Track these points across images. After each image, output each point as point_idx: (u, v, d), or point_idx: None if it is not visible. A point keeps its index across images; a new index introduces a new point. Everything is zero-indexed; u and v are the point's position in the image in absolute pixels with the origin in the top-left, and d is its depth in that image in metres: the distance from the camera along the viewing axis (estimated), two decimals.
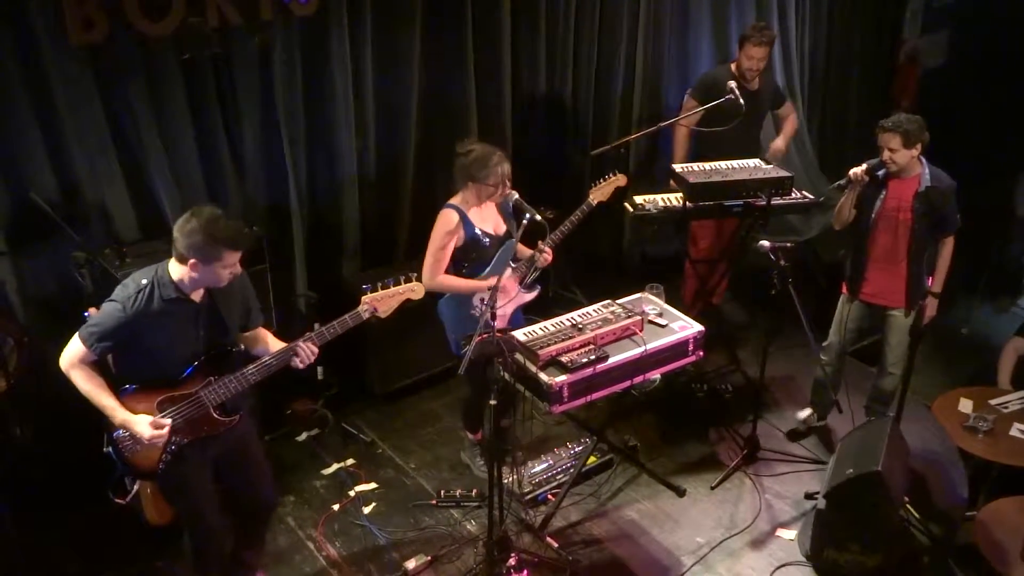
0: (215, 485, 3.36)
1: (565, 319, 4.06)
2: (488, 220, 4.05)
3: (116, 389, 3.05)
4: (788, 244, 4.19)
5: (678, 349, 4.05)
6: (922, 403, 4.83)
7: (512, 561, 3.79)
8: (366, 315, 3.27)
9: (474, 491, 4.37)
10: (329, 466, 4.63)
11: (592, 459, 4.51)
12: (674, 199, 4.88)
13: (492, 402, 3.44)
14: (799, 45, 6.83)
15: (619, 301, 4.20)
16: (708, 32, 6.33)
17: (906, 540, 3.97)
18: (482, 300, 3.93)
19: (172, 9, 3.99)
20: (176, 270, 3.01)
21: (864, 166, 4.16)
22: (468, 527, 4.23)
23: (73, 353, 3.00)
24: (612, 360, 3.84)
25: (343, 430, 4.87)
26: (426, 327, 4.35)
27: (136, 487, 3.52)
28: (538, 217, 3.73)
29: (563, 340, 3.85)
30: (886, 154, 4.10)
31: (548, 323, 4.03)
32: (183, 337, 3.08)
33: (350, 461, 4.67)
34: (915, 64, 7.78)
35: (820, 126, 7.44)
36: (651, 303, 4.28)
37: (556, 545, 4.08)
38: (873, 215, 4.24)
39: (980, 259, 6.24)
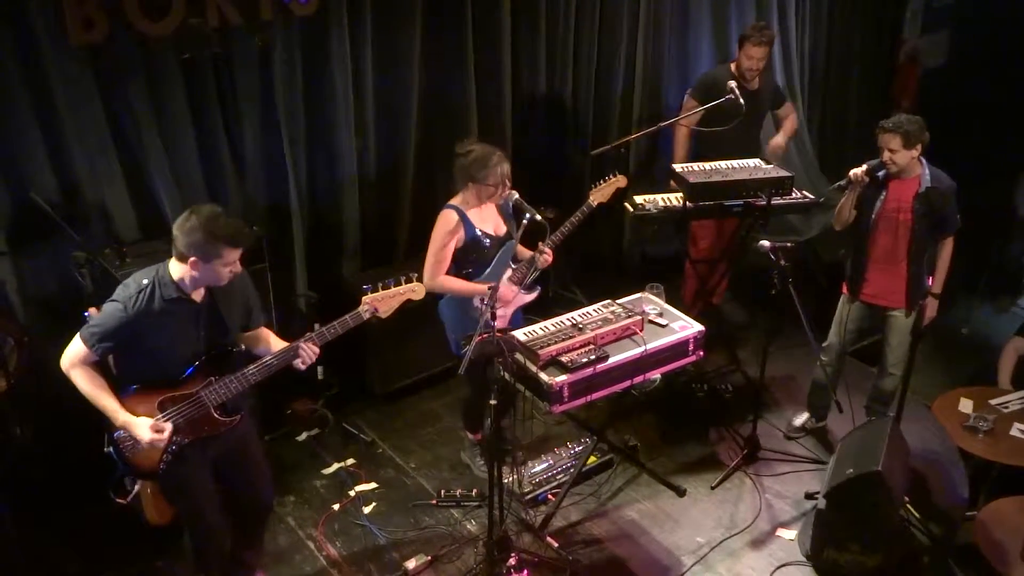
0: (215, 485, 3.36)
1: (565, 319, 4.06)
2: (488, 221, 4.04)
3: (117, 389, 3.05)
4: (788, 244, 4.19)
5: (678, 349, 4.06)
6: (922, 403, 4.83)
7: (512, 561, 3.80)
8: (367, 315, 3.26)
9: (474, 491, 4.37)
10: (329, 466, 4.64)
11: (592, 459, 4.51)
12: (674, 199, 4.88)
13: (492, 402, 3.44)
14: (799, 45, 6.84)
15: (619, 301, 4.20)
16: (708, 32, 6.33)
17: (906, 540, 3.97)
18: (482, 300, 3.93)
19: (172, 9, 3.99)
20: (177, 269, 3.01)
21: (864, 167, 4.16)
22: (468, 527, 4.23)
23: (74, 354, 3.00)
24: (612, 360, 3.84)
25: (343, 430, 4.87)
26: (426, 327, 4.35)
27: (137, 487, 3.52)
28: (538, 217, 3.74)
29: (563, 340, 3.85)
30: (886, 155, 4.10)
31: (548, 323, 4.03)
32: (184, 337, 3.08)
33: (350, 461, 4.67)
34: (915, 64, 7.78)
35: (820, 126, 7.44)
36: (651, 303, 4.28)
37: (556, 545, 4.08)
38: (873, 216, 4.24)
39: (980, 259, 6.24)
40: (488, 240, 4.01)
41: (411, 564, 3.97)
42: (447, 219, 3.94)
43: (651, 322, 4.12)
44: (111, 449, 3.11)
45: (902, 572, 3.87)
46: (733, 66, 5.24)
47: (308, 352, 3.19)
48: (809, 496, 4.37)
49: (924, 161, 4.17)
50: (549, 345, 3.81)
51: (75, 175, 4.10)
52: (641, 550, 4.12)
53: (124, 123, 4.18)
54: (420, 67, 5.02)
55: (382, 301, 3.29)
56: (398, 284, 3.31)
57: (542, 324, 4.02)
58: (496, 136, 5.37)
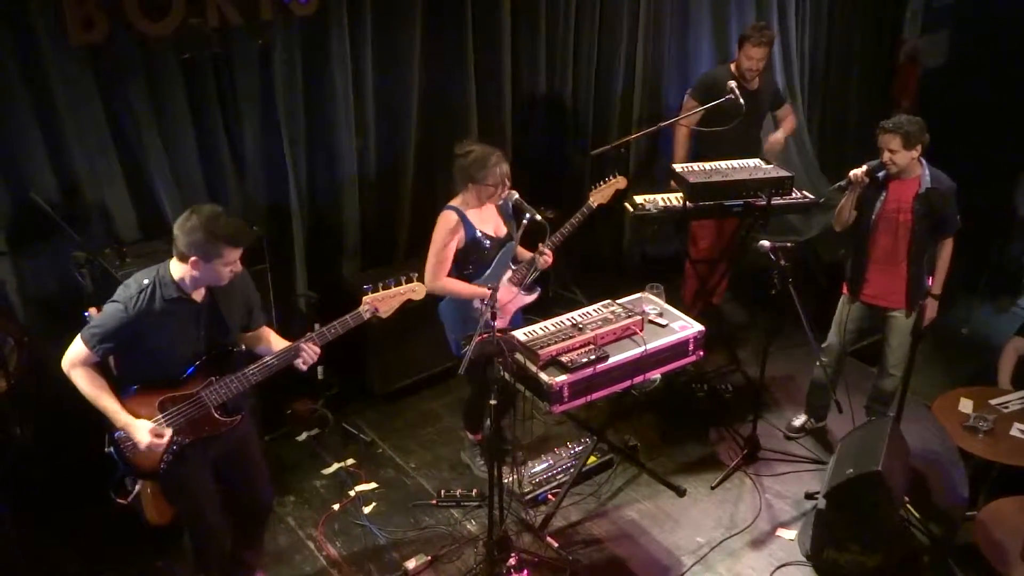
0: (215, 485, 3.36)
1: (565, 319, 4.06)
2: (488, 222, 4.04)
3: (118, 390, 3.05)
4: (788, 244, 4.19)
5: (678, 349, 4.06)
6: (922, 403, 4.83)
7: (512, 561, 3.80)
8: (367, 315, 3.26)
9: (474, 491, 4.37)
10: (329, 466, 4.64)
11: (592, 459, 4.51)
12: (674, 199, 4.88)
13: (492, 402, 3.44)
14: (799, 45, 6.84)
15: (619, 301, 4.20)
16: (708, 32, 6.33)
17: (906, 540, 3.97)
18: (483, 301, 3.93)
19: (172, 9, 3.99)
20: (177, 269, 3.01)
21: (864, 167, 4.16)
22: (468, 527, 4.24)
23: (75, 354, 3.00)
24: (612, 360, 3.84)
25: (343, 430, 4.87)
26: (426, 327, 4.35)
27: (138, 487, 3.52)
28: (538, 217, 3.74)
29: (563, 340, 3.85)
30: (886, 155, 4.10)
31: (548, 323, 4.03)
32: (184, 337, 3.08)
33: (350, 461, 4.67)
34: (915, 64, 7.78)
35: (820, 126, 7.44)
36: (651, 303, 4.29)
37: (556, 545, 4.08)
38: (873, 216, 4.24)
39: (980, 259, 6.24)
40: (488, 241, 4.01)
41: (411, 564, 3.97)
42: (447, 220, 3.94)
43: (651, 322, 4.12)
44: (111, 449, 3.11)
45: (902, 572, 3.88)
46: (733, 66, 5.24)
47: (309, 352, 3.19)
48: (809, 496, 4.37)
49: (924, 162, 4.17)
50: (549, 345, 3.81)
51: (75, 175, 4.10)
52: (641, 550, 4.12)
53: (124, 123, 4.18)
54: (420, 67, 5.02)
55: (382, 301, 3.29)
56: (398, 284, 3.31)
57: (542, 324, 4.02)
58: (496, 136, 5.37)
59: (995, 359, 4.93)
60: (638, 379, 3.98)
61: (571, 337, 3.87)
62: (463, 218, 3.95)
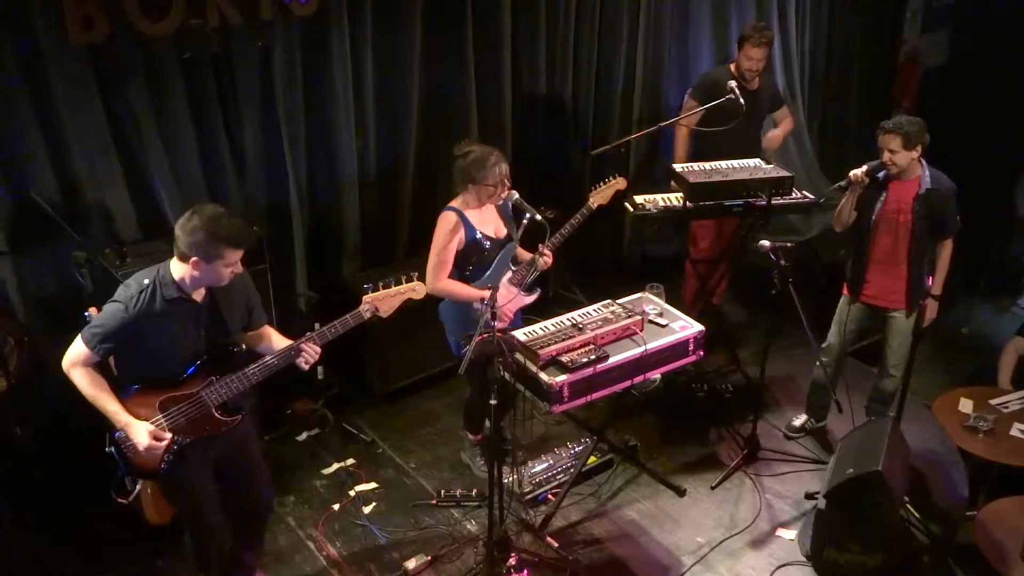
0: (215, 485, 3.36)
1: (565, 319, 4.07)
2: (488, 223, 4.04)
3: (118, 389, 3.05)
4: (788, 244, 4.20)
5: (678, 349, 4.06)
6: (922, 403, 4.83)
7: (512, 561, 3.79)
8: (367, 315, 3.26)
9: (474, 491, 4.37)
10: (329, 466, 4.64)
11: (592, 459, 4.51)
12: (674, 199, 4.88)
13: (492, 402, 3.44)
14: (799, 45, 6.84)
15: (619, 301, 4.20)
16: (708, 32, 6.33)
17: (906, 540, 3.97)
18: (483, 300, 3.93)
19: (172, 9, 3.99)
20: (178, 269, 3.01)
21: (864, 168, 4.16)
22: (468, 527, 4.24)
23: (75, 354, 3.00)
24: (612, 360, 3.84)
25: (343, 430, 4.87)
26: (426, 327, 4.35)
27: (138, 487, 3.52)
28: (538, 217, 3.74)
29: (563, 340, 3.85)
30: (886, 155, 4.10)
31: (548, 323, 4.04)
32: (185, 337, 3.08)
33: (350, 461, 4.67)
34: (915, 64, 7.78)
35: (820, 126, 7.44)
36: (651, 303, 4.29)
37: (556, 545, 4.08)
38: (873, 217, 4.24)
39: (980, 259, 6.24)
40: (488, 242, 4.01)
41: (411, 564, 3.97)
42: (447, 220, 3.94)
43: (651, 322, 4.12)
44: (112, 449, 3.11)
45: (902, 572, 3.88)
46: (733, 67, 5.24)
47: (309, 351, 3.19)
48: (809, 496, 4.37)
49: (924, 163, 4.17)
50: (549, 345, 3.81)
51: (75, 175, 4.10)
52: (641, 550, 4.12)
53: (124, 123, 4.18)
54: (420, 67, 5.02)
55: (383, 300, 3.29)
56: (398, 283, 3.31)
57: (542, 324, 4.02)
58: (496, 136, 5.37)
59: (995, 359, 4.93)
60: (638, 379, 3.98)
61: (571, 337, 3.87)
62: (463, 219, 3.95)
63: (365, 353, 4.95)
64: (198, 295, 3.07)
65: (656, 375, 4.43)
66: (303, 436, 4.84)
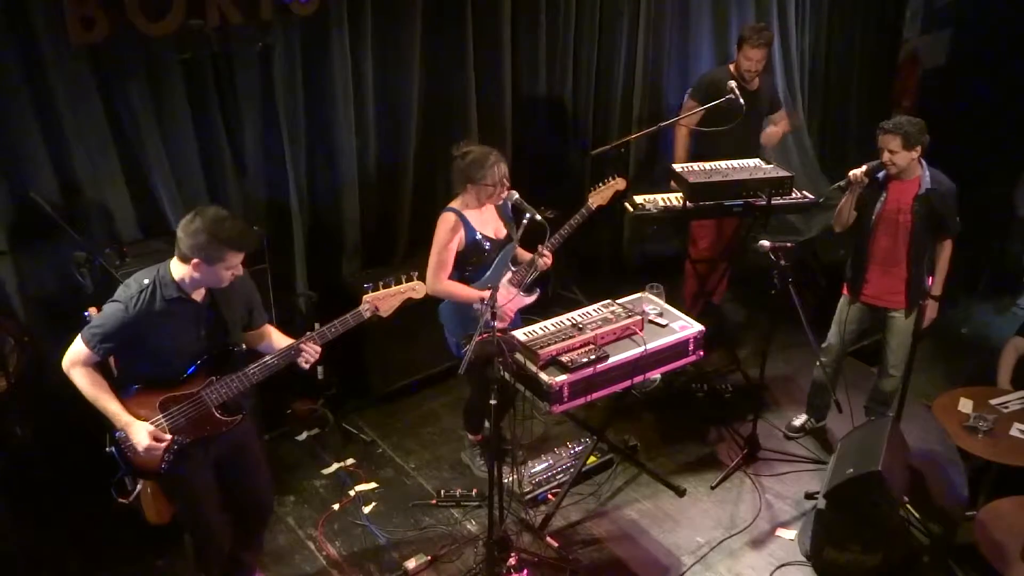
0: (216, 484, 3.35)
1: (565, 319, 4.07)
2: (488, 224, 4.04)
3: (118, 389, 3.05)
4: (788, 244, 4.19)
5: (678, 349, 4.06)
6: (922, 403, 4.84)
7: (512, 561, 3.80)
8: (367, 314, 3.26)
9: (474, 491, 4.37)
10: (329, 466, 4.64)
11: (592, 459, 4.51)
12: (674, 199, 4.88)
13: (492, 402, 3.44)
14: (799, 45, 6.84)
15: (619, 301, 4.20)
16: (708, 32, 6.33)
17: (906, 540, 3.98)
18: (482, 300, 3.93)
19: (172, 9, 3.99)
20: (178, 269, 3.01)
21: (864, 168, 4.16)
22: (468, 527, 4.24)
23: (75, 354, 3.00)
24: (612, 360, 3.84)
25: (343, 430, 4.87)
26: (426, 327, 4.35)
27: (138, 487, 3.52)
28: (538, 217, 3.74)
29: (563, 340, 3.85)
30: (886, 156, 4.10)
31: (548, 323, 4.04)
32: (185, 337, 3.08)
33: (350, 461, 4.67)
34: (915, 64, 7.78)
35: (820, 126, 7.44)
36: (651, 303, 4.29)
37: (556, 545, 4.08)
38: (873, 217, 4.24)
39: (980, 259, 6.24)
40: (488, 243, 4.01)
41: (411, 564, 3.97)
42: (447, 221, 3.94)
43: (651, 322, 4.12)
44: (112, 449, 3.11)
45: (902, 572, 3.88)
46: (732, 67, 5.24)
47: (309, 351, 3.19)
48: (809, 496, 4.37)
49: (924, 163, 4.17)
50: (549, 345, 3.81)
51: (75, 175, 4.10)
52: (641, 550, 4.12)
53: (124, 123, 4.17)
54: (420, 67, 5.02)
55: (383, 300, 3.29)
56: (398, 283, 3.31)
57: (542, 324, 4.02)
58: (496, 136, 5.37)
59: (995, 359, 4.94)
60: (638, 379, 3.98)
61: (571, 337, 3.87)
62: (463, 220, 3.95)
63: (365, 353, 4.95)
64: (198, 295, 3.07)
65: (656, 375, 4.43)
66: (303, 436, 4.84)
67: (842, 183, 4.25)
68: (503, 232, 4.09)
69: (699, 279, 5.37)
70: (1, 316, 4.01)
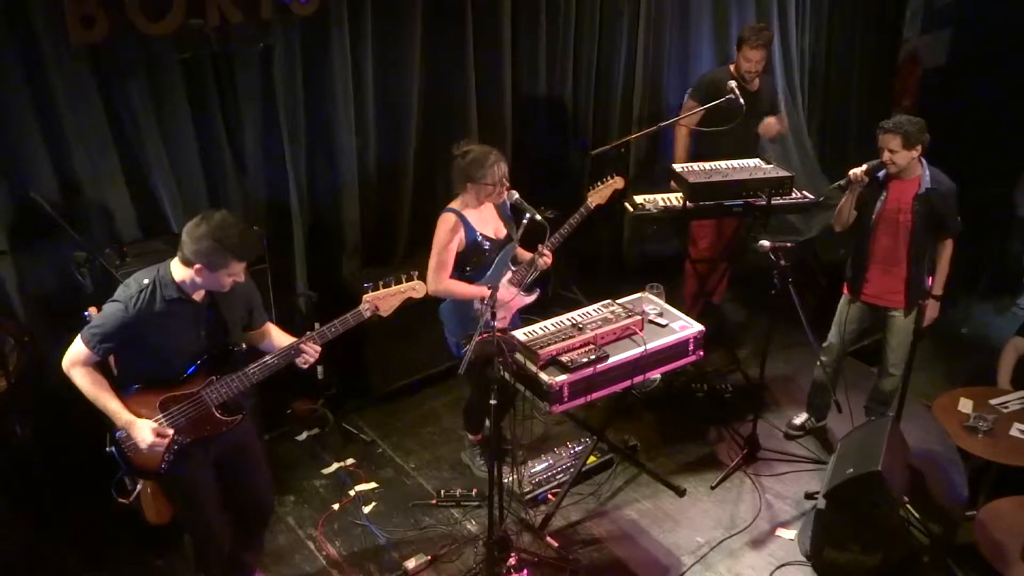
0: (216, 484, 3.36)
1: (565, 319, 4.07)
2: (488, 224, 4.04)
3: (118, 389, 3.05)
4: (788, 244, 4.19)
5: (678, 349, 4.06)
6: (922, 403, 4.83)
7: (512, 561, 3.80)
8: (367, 314, 3.26)
9: (474, 491, 4.37)
10: (329, 465, 4.64)
11: (592, 459, 4.51)
12: (674, 199, 4.88)
13: (492, 402, 3.44)
14: (799, 45, 6.84)
15: (619, 301, 4.20)
16: (708, 32, 6.33)
17: (906, 540, 3.98)
18: (482, 300, 3.93)
19: (172, 9, 3.99)
20: (179, 271, 3.00)
21: (864, 167, 4.16)
22: (468, 527, 4.24)
23: (75, 354, 3.00)
24: (612, 360, 3.84)
25: (343, 430, 4.87)
26: (426, 327, 4.35)
27: (138, 487, 3.52)
28: (538, 217, 3.74)
29: (563, 340, 3.85)
30: (886, 155, 4.10)
31: (548, 323, 4.04)
32: (185, 336, 3.08)
33: (350, 461, 4.67)
34: (915, 64, 7.78)
35: (820, 126, 7.44)
36: (651, 303, 4.29)
37: (556, 545, 4.08)
38: (873, 216, 4.24)
39: (980, 259, 6.24)
40: (488, 243, 4.01)
41: (411, 564, 3.97)
42: (447, 221, 3.94)
43: (651, 322, 4.12)
44: (112, 449, 3.11)
45: (902, 572, 3.88)
46: (732, 68, 5.24)
47: (309, 351, 3.19)
48: (809, 496, 4.37)
49: (924, 162, 4.17)
50: (549, 345, 3.81)
51: (75, 175, 4.10)
52: (641, 550, 4.12)
53: (124, 122, 4.17)
54: (420, 67, 5.02)
55: (383, 299, 3.29)
56: (399, 282, 3.31)
57: (542, 324, 4.02)
58: (496, 136, 5.37)
59: (995, 359, 4.94)
60: (638, 379, 3.98)
61: (571, 337, 3.87)
62: (463, 220, 3.95)
63: (365, 353, 4.95)
64: (198, 296, 3.07)
65: (656, 375, 4.43)
66: (303, 436, 4.84)
67: (842, 182, 4.25)
68: (503, 232, 4.09)
69: (699, 279, 5.37)
70: (1, 316, 4.01)
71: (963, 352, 5.71)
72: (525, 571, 3.85)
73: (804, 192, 4.95)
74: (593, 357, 3.78)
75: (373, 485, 4.50)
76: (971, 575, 3.87)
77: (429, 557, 4.01)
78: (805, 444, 4.81)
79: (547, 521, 4.20)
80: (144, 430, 3.00)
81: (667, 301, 4.39)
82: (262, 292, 3.66)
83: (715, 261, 5.40)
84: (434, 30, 5.02)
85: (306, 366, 3.22)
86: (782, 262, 4.06)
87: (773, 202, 4.73)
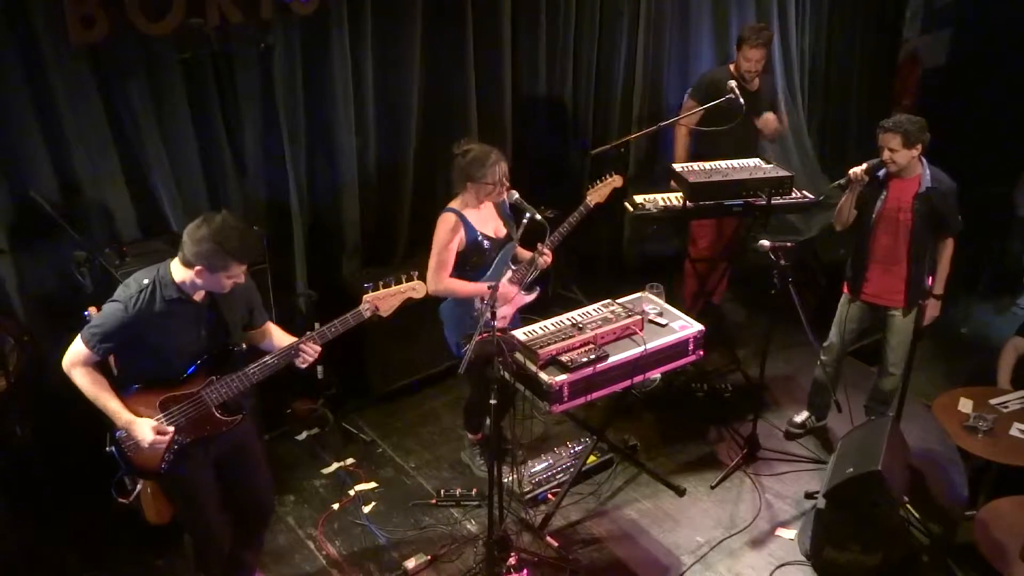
0: (216, 484, 3.36)
1: (565, 318, 4.07)
2: (488, 224, 4.04)
3: (118, 389, 3.05)
4: (788, 244, 4.19)
5: (678, 348, 4.06)
6: (922, 403, 4.83)
7: (512, 560, 3.80)
8: (367, 314, 3.26)
9: (474, 490, 4.37)
10: (329, 465, 4.64)
11: (592, 458, 4.51)
12: (674, 199, 4.89)
13: (492, 402, 3.44)
14: (799, 45, 6.84)
15: (619, 301, 4.20)
16: (708, 32, 6.33)
17: (906, 540, 3.98)
18: (482, 299, 3.94)
19: (172, 9, 3.99)
20: (179, 272, 3.01)
21: (864, 166, 4.16)
22: (468, 526, 4.24)
23: (75, 354, 3.00)
24: (612, 359, 3.84)
25: (343, 430, 4.87)
26: (426, 327, 4.35)
27: (138, 487, 3.52)
28: (538, 216, 3.73)
29: (563, 339, 3.85)
30: (886, 154, 4.10)
31: (548, 322, 4.04)
32: (185, 337, 3.08)
33: (350, 460, 4.67)
34: (915, 64, 7.78)
35: (820, 126, 7.44)
36: (651, 303, 4.29)
37: (556, 544, 4.08)
38: (874, 215, 4.24)
39: (980, 259, 6.24)
40: (488, 243, 4.01)
41: (411, 564, 3.97)
42: (447, 221, 3.94)
43: (651, 322, 4.12)
44: (112, 448, 3.11)
45: (902, 572, 3.88)
46: (732, 67, 5.24)
47: (309, 351, 3.19)
48: (809, 496, 4.37)
49: (924, 162, 4.17)
50: (549, 344, 3.81)
51: (75, 174, 4.10)
52: (641, 550, 4.12)
53: (124, 122, 4.17)
54: (420, 67, 5.02)
55: (383, 299, 3.29)
56: (399, 282, 3.31)
57: (542, 324, 4.02)
58: (496, 136, 5.37)
59: (995, 359, 4.94)
60: (638, 379, 3.98)
61: (571, 337, 3.87)
62: (463, 220, 3.95)
63: (365, 353, 4.95)
64: (198, 296, 3.08)
65: (656, 375, 4.43)
66: (303, 435, 4.84)
67: (842, 181, 4.25)
68: (503, 231, 4.09)
69: (699, 279, 5.37)
70: (1, 316, 4.01)
71: (963, 352, 5.71)
72: (525, 571, 3.85)
73: (804, 192, 4.95)
74: (593, 357, 3.78)
75: (373, 485, 4.50)
76: (971, 575, 3.87)
77: (429, 557, 4.01)
78: (805, 444, 4.81)
79: (547, 521, 4.20)
80: (144, 428, 3.00)
81: (667, 301, 4.39)
82: (262, 292, 3.66)
83: (715, 261, 5.40)
84: (434, 30, 5.02)
85: (306, 366, 3.22)
86: (782, 262, 4.06)
87: (773, 202, 4.73)
